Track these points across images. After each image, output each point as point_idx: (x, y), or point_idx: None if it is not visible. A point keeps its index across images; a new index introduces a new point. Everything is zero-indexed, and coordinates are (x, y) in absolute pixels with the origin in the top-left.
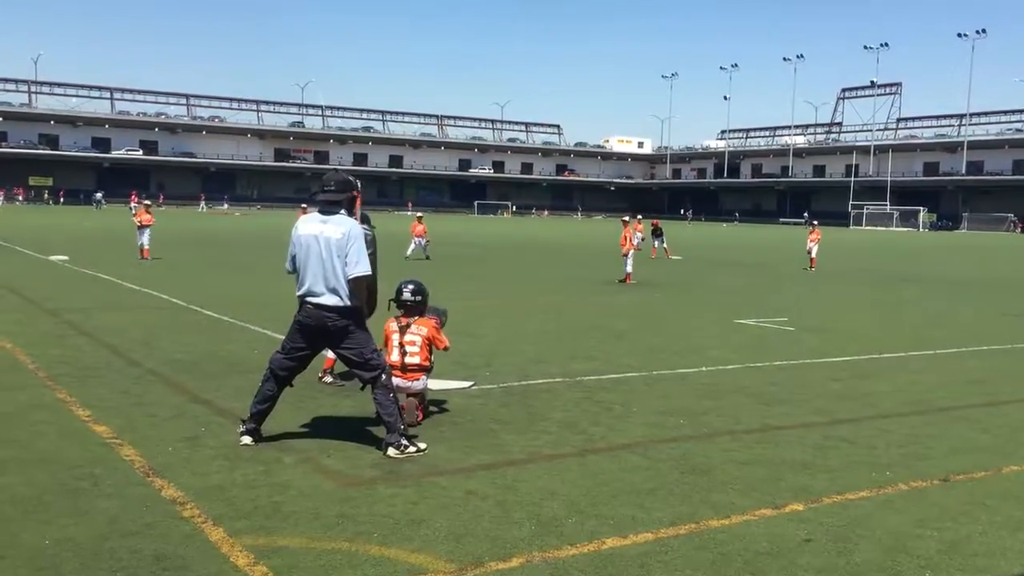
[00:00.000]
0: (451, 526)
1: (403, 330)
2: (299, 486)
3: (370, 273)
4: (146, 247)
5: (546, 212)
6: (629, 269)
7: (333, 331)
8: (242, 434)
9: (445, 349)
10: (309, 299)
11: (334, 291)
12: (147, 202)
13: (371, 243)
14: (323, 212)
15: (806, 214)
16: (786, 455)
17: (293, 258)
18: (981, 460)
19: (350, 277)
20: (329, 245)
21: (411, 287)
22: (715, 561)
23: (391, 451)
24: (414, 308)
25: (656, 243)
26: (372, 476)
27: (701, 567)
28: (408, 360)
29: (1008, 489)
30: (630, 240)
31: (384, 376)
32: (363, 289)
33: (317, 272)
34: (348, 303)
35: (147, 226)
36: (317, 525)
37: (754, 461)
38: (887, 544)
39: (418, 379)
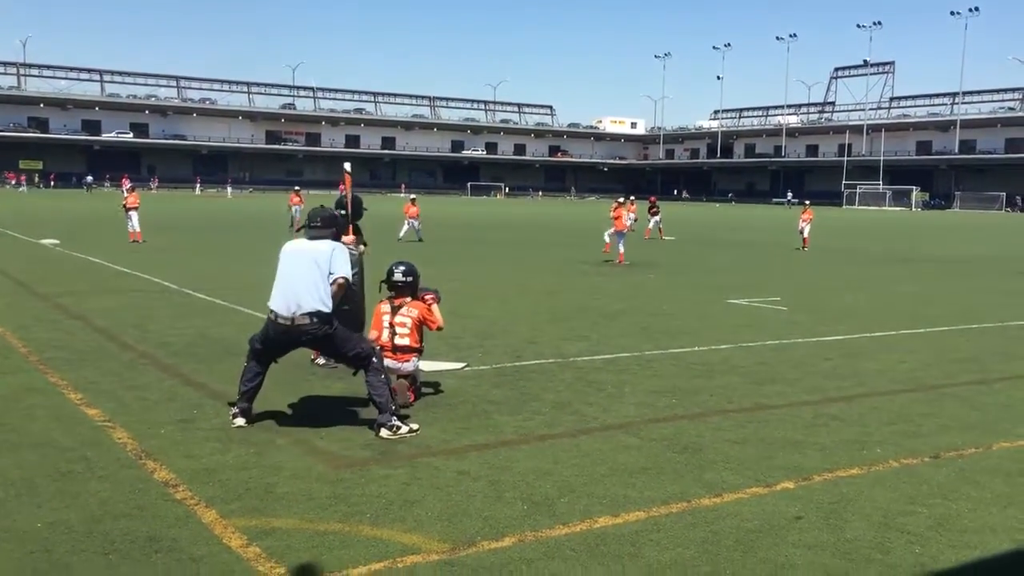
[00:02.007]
0: (444, 506)
1: (394, 311)
2: (292, 468)
3: (349, 277)
4: (137, 230)
5: (540, 193)
6: (621, 249)
7: (309, 341)
8: (234, 416)
9: (439, 329)
10: (280, 320)
11: (308, 302)
12: (129, 185)
13: (356, 263)
14: (309, 239)
15: (789, 194)
16: (777, 434)
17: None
18: (971, 437)
19: (332, 280)
20: (314, 254)
21: (402, 268)
22: (706, 539)
23: (383, 432)
24: (405, 289)
25: (651, 223)
26: (364, 457)
27: (692, 545)
28: (398, 341)
29: (998, 465)
30: (620, 219)
31: (375, 359)
32: (341, 290)
33: (288, 286)
34: (321, 309)
35: (133, 209)
36: (310, 506)
37: (745, 440)
38: (877, 521)
39: (408, 360)
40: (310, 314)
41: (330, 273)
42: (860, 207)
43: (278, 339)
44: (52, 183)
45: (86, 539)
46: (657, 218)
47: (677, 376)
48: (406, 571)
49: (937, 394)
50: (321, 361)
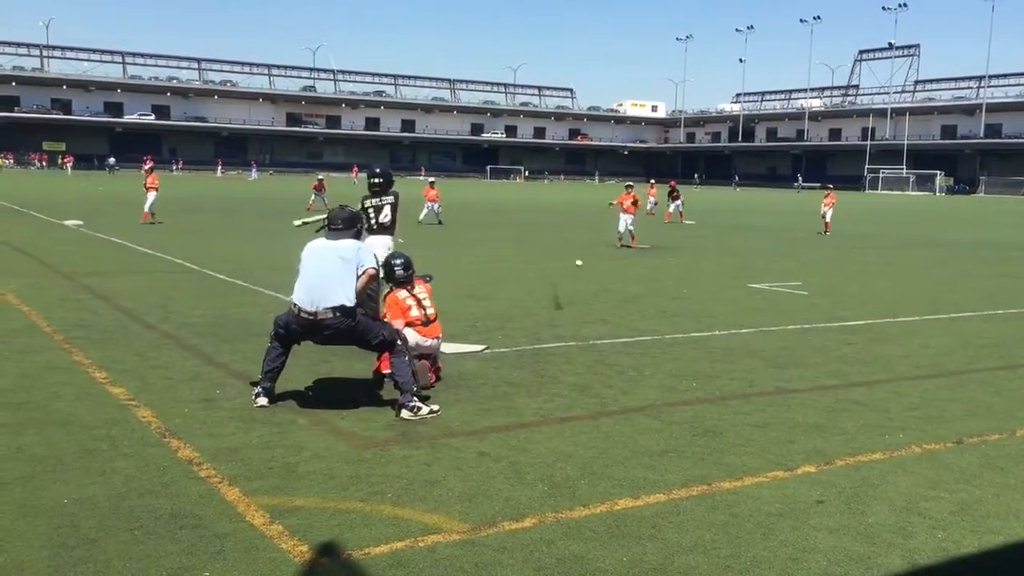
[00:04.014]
0: (464, 487)
1: (410, 291)
2: (313, 447)
3: (376, 266)
4: (145, 210)
5: (562, 176)
6: (630, 229)
7: (332, 334)
8: (257, 396)
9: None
10: (303, 313)
11: (333, 296)
12: (148, 166)
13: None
14: (331, 240)
15: (799, 178)
16: (799, 418)
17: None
18: (995, 423)
19: (363, 271)
20: (339, 251)
21: (400, 261)
22: (727, 522)
23: (404, 413)
24: (406, 281)
25: (671, 207)
26: (386, 438)
27: (713, 527)
28: (430, 311)
29: (1022, 452)
30: (636, 203)
31: (398, 342)
32: (371, 280)
33: (313, 281)
34: (344, 303)
35: (153, 189)
36: (331, 485)
37: (767, 424)
38: (899, 505)
39: (439, 335)
40: (333, 308)
41: (359, 266)
42: (883, 191)
43: (301, 330)
44: (70, 164)
45: (112, 515)
46: (678, 202)
47: (698, 360)
48: (427, 550)
49: (961, 380)
50: None
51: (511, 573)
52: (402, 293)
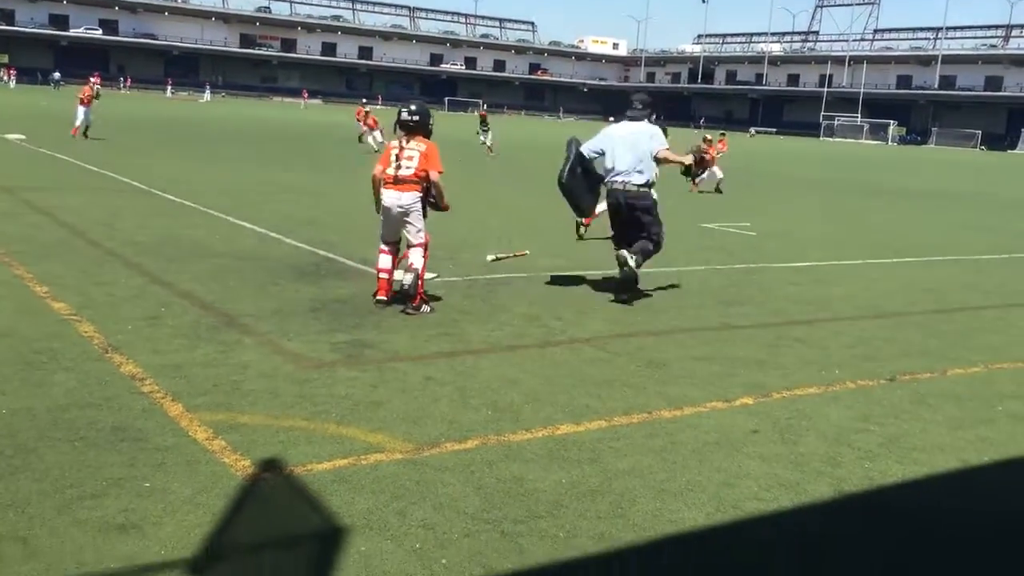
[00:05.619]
0: (409, 409)
1: (402, 148)
2: (259, 367)
3: (667, 147)
4: (75, 124)
5: (523, 112)
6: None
7: (629, 207)
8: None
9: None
10: (615, 179)
11: (638, 172)
12: (93, 80)
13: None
14: (631, 120)
15: (752, 130)
16: (740, 353)
17: (600, 151)
18: (927, 362)
19: (654, 154)
20: (632, 137)
21: (412, 107)
22: (664, 448)
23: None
24: (415, 128)
25: (482, 137)
26: (332, 359)
27: (651, 453)
28: (402, 173)
29: (950, 390)
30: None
31: (656, 246)
32: (666, 159)
33: (622, 157)
34: (648, 179)
35: (88, 104)
36: (276, 404)
37: (709, 357)
38: (831, 436)
39: (409, 192)
40: (636, 184)
41: (651, 149)
42: (838, 139)
43: (617, 204)
44: (12, 78)
45: (52, 427)
46: (487, 132)
47: (647, 294)
48: (369, 467)
49: (898, 321)
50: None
51: (452, 491)
52: (395, 143)
